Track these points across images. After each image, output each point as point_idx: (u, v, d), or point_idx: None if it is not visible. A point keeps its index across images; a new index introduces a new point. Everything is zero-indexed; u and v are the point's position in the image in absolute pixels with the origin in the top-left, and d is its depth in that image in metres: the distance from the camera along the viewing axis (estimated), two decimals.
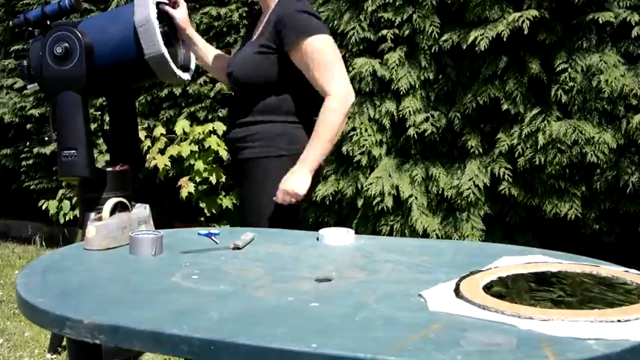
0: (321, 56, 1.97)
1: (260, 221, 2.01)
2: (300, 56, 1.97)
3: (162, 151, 3.91)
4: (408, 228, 3.12)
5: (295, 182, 1.96)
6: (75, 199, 4.42)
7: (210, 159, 3.84)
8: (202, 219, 3.98)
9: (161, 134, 3.95)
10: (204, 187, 3.88)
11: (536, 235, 3.03)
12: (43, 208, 4.44)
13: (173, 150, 3.85)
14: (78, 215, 4.28)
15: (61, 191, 4.48)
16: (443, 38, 3.02)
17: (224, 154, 3.79)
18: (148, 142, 3.94)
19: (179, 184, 3.84)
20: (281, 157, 2.04)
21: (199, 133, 3.78)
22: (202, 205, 3.90)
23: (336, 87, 1.97)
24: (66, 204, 4.42)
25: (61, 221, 4.40)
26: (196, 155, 3.82)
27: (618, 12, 2.72)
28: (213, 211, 3.91)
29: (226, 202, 3.92)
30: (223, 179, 3.90)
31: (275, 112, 2.05)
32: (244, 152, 2.08)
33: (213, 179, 3.83)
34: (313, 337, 0.93)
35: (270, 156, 2.04)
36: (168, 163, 3.85)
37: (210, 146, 3.78)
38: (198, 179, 3.82)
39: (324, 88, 1.98)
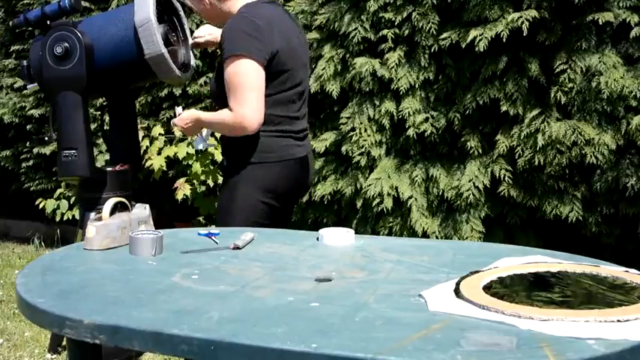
0: (230, 79, 2.01)
1: (228, 222, 2.07)
2: (226, 72, 2.02)
3: (159, 152, 3.91)
4: (407, 229, 3.12)
5: (184, 115, 2.16)
6: (73, 198, 4.41)
7: (207, 161, 3.84)
8: (201, 219, 3.98)
9: (159, 134, 3.95)
10: (203, 188, 3.88)
11: (537, 236, 3.03)
12: (40, 206, 4.43)
13: (170, 151, 3.85)
14: (75, 215, 4.28)
15: (59, 190, 4.47)
16: (442, 36, 3.02)
17: (220, 157, 3.79)
18: (146, 142, 3.94)
19: (175, 185, 3.84)
20: (251, 164, 2.09)
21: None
22: (197, 206, 3.90)
23: (235, 108, 2.01)
24: (63, 203, 4.41)
25: (58, 219, 4.39)
26: (194, 157, 3.82)
27: (618, 13, 2.72)
28: (210, 212, 3.91)
29: None
30: (220, 181, 3.90)
31: None
32: (224, 160, 2.21)
33: (210, 182, 3.82)
34: (313, 337, 0.93)
35: (243, 162, 2.09)
36: (164, 164, 3.84)
37: (206, 149, 3.78)
38: (195, 181, 3.82)
39: (230, 104, 2.02)
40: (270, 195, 2.10)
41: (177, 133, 3.87)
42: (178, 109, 2.25)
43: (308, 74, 2.30)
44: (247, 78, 1.99)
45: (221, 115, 2.07)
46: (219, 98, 2.10)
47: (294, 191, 2.23)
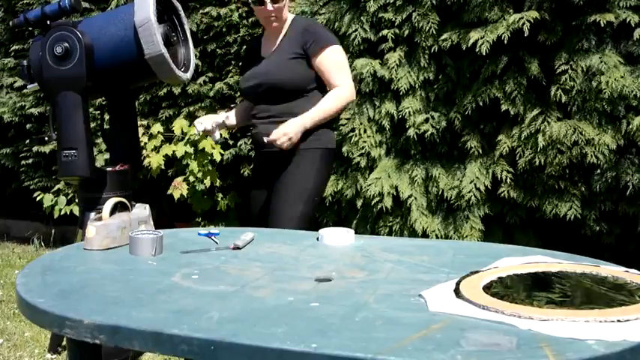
0: (338, 61, 2.44)
1: (291, 204, 2.37)
2: (321, 60, 2.40)
3: (157, 150, 3.90)
4: (407, 228, 3.12)
5: (289, 126, 2.33)
6: (71, 195, 4.41)
7: (206, 161, 3.83)
8: (199, 219, 3.98)
9: (159, 132, 3.94)
10: (202, 187, 3.87)
11: (537, 236, 3.03)
12: (38, 199, 4.42)
13: (168, 149, 3.84)
14: (74, 211, 4.28)
15: (58, 186, 4.47)
16: (442, 37, 3.02)
17: (218, 157, 3.78)
18: (144, 139, 3.94)
19: (173, 184, 3.83)
20: (324, 149, 2.45)
21: (194, 134, 3.78)
22: (194, 204, 3.90)
23: (347, 82, 2.44)
24: (62, 199, 4.41)
25: (56, 215, 4.39)
26: (191, 157, 3.82)
27: (618, 13, 2.72)
28: (205, 210, 3.91)
29: (222, 203, 3.92)
30: (218, 183, 3.90)
31: (309, 108, 2.40)
32: (300, 142, 2.40)
33: (207, 182, 3.82)
34: (313, 337, 0.93)
35: (318, 148, 2.42)
36: (162, 162, 3.84)
37: (204, 148, 3.78)
38: (192, 180, 3.82)
39: (338, 82, 2.41)
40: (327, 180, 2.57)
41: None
42: (201, 127, 2.58)
43: None
44: (346, 62, 2.50)
45: (332, 99, 2.40)
46: (280, 87, 2.40)
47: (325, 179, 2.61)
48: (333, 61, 2.42)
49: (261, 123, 2.48)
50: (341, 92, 2.41)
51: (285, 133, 2.32)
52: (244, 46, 3.78)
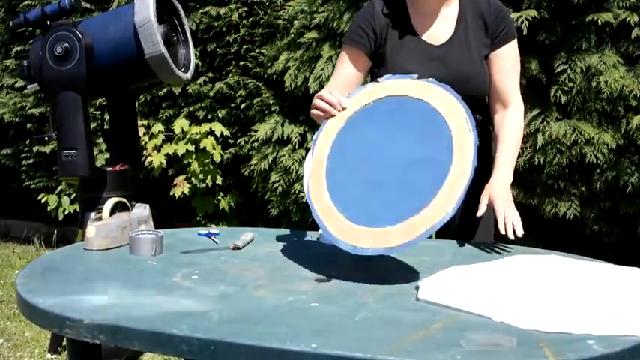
0: (518, 63, 1.73)
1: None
2: (505, 57, 1.68)
3: (158, 149, 3.90)
4: None
5: (508, 198, 1.58)
6: (74, 194, 4.41)
7: (207, 161, 3.84)
8: (199, 218, 3.98)
9: (159, 132, 3.94)
10: (202, 186, 3.87)
11: (536, 236, 3.03)
12: (42, 201, 4.42)
13: (169, 148, 3.84)
14: (77, 211, 4.28)
15: (60, 187, 4.47)
16: None
17: (218, 157, 3.78)
18: (145, 139, 3.94)
19: (174, 183, 3.83)
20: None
21: (195, 134, 3.78)
22: (195, 205, 3.90)
23: (519, 97, 1.72)
24: (65, 200, 4.41)
25: (60, 217, 4.39)
26: (193, 156, 3.82)
27: (618, 13, 2.72)
28: (208, 211, 3.91)
29: (223, 203, 3.92)
30: (219, 181, 3.90)
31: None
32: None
33: (208, 181, 3.82)
34: (313, 337, 0.93)
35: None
36: (164, 161, 3.84)
37: (205, 147, 3.78)
38: (194, 180, 3.82)
39: (513, 94, 1.69)
40: None
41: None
42: None
43: None
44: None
45: (517, 130, 1.68)
46: (473, 98, 1.58)
47: None
48: (515, 62, 1.70)
49: None
50: (519, 115, 1.69)
51: (513, 211, 1.53)
52: (244, 46, 3.78)
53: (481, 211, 1.54)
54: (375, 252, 1.24)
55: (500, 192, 1.56)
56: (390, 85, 1.47)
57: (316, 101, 1.53)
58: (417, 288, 1.16)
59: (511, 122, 1.67)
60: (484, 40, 1.67)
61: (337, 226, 1.31)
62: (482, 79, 1.68)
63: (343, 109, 1.49)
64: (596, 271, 1.25)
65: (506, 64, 1.68)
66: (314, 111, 1.55)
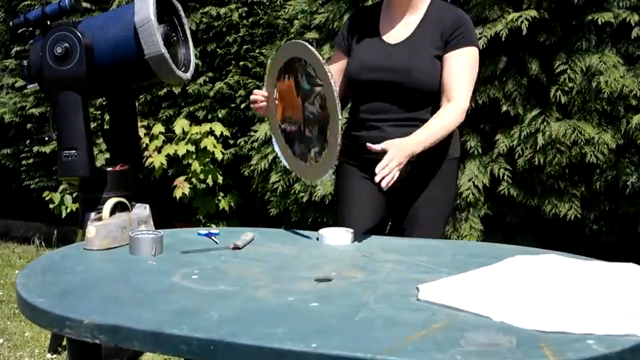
0: (470, 68, 1.92)
1: (437, 223, 1.98)
2: (455, 60, 1.90)
3: (159, 150, 3.91)
4: None
5: (400, 152, 1.71)
6: (76, 193, 4.41)
7: (207, 160, 3.84)
8: (200, 218, 3.98)
9: (160, 132, 3.95)
10: (203, 186, 3.87)
11: (536, 236, 3.03)
12: (46, 199, 4.42)
13: (170, 149, 3.84)
14: (79, 209, 4.28)
15: (62, 186, 4.47)
16: None
17: (219, 155, 3.78)
18: (146, 140, 3.94)
19: (175, 183, 3.83)
20: (454, 159, 2.03)
21: (196, 133, 3.78)
22: (196, 205, 3.90)
23: (464, 98, 1.90)
24: (68, 198, 4.41)
25: (63, 215, 4.39)
26: (193, 156, 3.82)
27: (618, 12, 2.72)
28: (209, 211, 3.91)
29: (224, 203, 3.92)
30: (220, 180, 3.90)
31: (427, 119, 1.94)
32: (431, 154, 1.90)
33: (209, 181, 3.82)
34: (313, 337, 0.93)
35: (454, 157, 2.02)
36: (165, 162, 3.84)
37: (206, 147, 3.78)
38: (194, 180, 3.82)
39: (455, 92, 1.88)
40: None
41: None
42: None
43: None
44: (476, 69, 1.96)
45: (442, 120, 1.86)
46: (418, 89, 1.91)
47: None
48: (465, 65, 1.90)
49: (386, 125, 1.95)
50: (455, 112, 1.87)
51: (399, 163, 1.69)
52: (244, 46, 3.79)
53: (371, 147, 1.73)
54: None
55: (400, 144, 1.74)
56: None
57: (251, 97, 1.98)
58: (417, 289, 1.16)
59: (442, 113, 1.88)
60: (438, 44, 1.91)
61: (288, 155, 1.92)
62: (425, 73, 1.90)
63: (264, 97, 1.93)
64: (594, 269, 1.26)
65: (454, 66, 1.90)
66: (251, 105, 1.99)
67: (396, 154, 1.69)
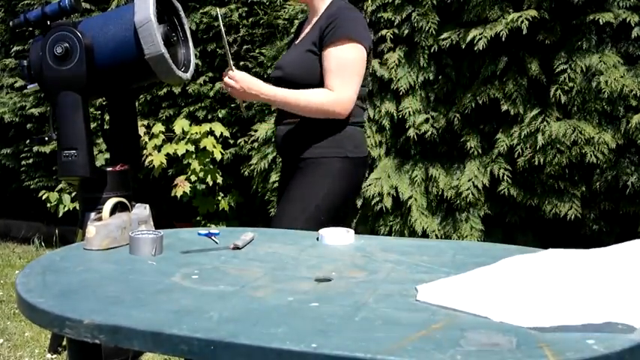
0: (345, 61, 2.00)
1: (296, 222, 1.98)
2: (327, 54, 2.00)
3: (159, 149, 3.91)
4: (407, 228, 3.12)
5: (249, 79, 2.02)
6: (75, 192, 4.41)
7: (207, 160, 3.83)
8: (200, 218, 3.98)
9: (160, 131, 3.95)
10: (202, 186, 3.87)
11: (536, 236, 3.03)
12: (43, 198, 4.42)
13: (170, 148, 3.84)
14: (78, 209, 4.28)
15: (60, 185, 4.47)
16: (442, 36, 3.02)
17: (219, 155, 3.78)
18: (146, 139, 3.94)
19: (175, 182, 3.83)
20: (345, 158, 2.06)
21: (195, 133, 3.78)
22: (196, 205, 3.90)
23: (342, 89, 1.99)
24: (66, 197, 4.41)
25: (60, 214, 4.38)
26: (193, 155, 3.82)
27: (618, 12, 2.72)
28: (209, 211, 3.90)
29: (223, 203, 3.92)
30: (219, 180, 3.90)
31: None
32: (305, 151, 2.06)
33: (209, 180, 3.82)
34: (313, 338, 0.93)
35: (335, 157, 2.05)
36: (165, 161, 3.84)
37: (205, 147, 3.78)
38: (194, 179, 3.82)
39: (330, 84, 1.99)
40: (355, 192, 2.14)
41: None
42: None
43: None
44: (358, 64, 2.02)
45: (313, 95, 1.99)
46: (293, 82, 2.04)
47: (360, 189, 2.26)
48: (338, 59, 1.99)
49: (280, 123, 2.15)
50: (320, 97, 1.99)
51: (239, 80, 2.00)
52: (244, 46, 3.79)
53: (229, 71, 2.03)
54: None
55: (253, 79, 2.02)
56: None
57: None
58: (416, 289, 1.16)
59: (316, 90, 2.00)
60: (317, 41, 2.04)
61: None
62: (296, 68, 2.06)
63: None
64: (596, 257, 1.24)
65: (328, 60, 2.00)
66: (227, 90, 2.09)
67: (243, 79, 2.01)
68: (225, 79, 2.05)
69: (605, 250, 1.29)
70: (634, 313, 0.95)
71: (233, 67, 2.05)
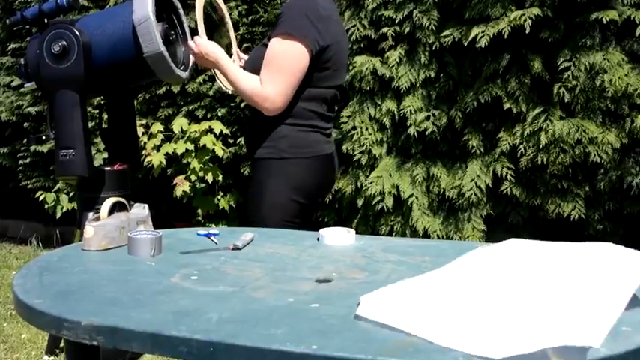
0: (277, 55, 2.00)
1: (259, 222, 2.03)
2: (268, 47, 2.02)
3: (158, 148, 3.89)
4: (408, 228, 3.11)
5: (211, 47, 2.10)
6: (72, 192, 4.40)
7: (206, 158, 3.82)
8: (199, 218, 3.96)
9: (159, 131, 3.93)
10: (202, 186, 3.86)
11: (539, 236, 3.01)
12: (40, 199, 4.40)
13: (169, 147, 3.83)
14: (76, 209, 4.26)
15: (58, 185, 4.45)
16: (444, 34, 3.00)
17: (220, 152, 3.77)
18: (144, 139, 3.93)
19: (175, 182, 3.82)
20: (282, 159, 2.06)
21: (195, 132, 3.76)
22: (196, 205, 3.89)
23: (266, 85, 2.00)
24: (64, 198, 4.39)
25: (58, 214, 4.37)
26: (192, 154, 3.80)
27: (622, 10, 2.70)
28: (209, 211, 3.89)
29: (223, 203, 3.90)
30: (220, 178, 3.88)
31: (282, 114, 2.05)
32: (254, 152, 2.13)
33: (209, 178, 3.81)
34: (313, 338, 0.92)
35: (272, 158, 2.07)
36: (164, 160, 3.83)
37: (205, 145, 3.76)
38: (194, 178, 3.80)
39: (261, 76, 2.02)
40: (300, 192, 2.08)
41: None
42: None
43: (345, 76, 2.30)
44: (290, 61, 1.98)
45: (246, 79, 2.05)
46: (257, 70, 2.07)
47: (322, 188, 2.23)
48: (271, 53, 1.99)
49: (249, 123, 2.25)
50: (249, 84, 2.02)
51: (198, 44, 2.11)
52: (244, 45, 3.77)
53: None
54: None
55: (211, 45, 2.11)
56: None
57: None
58: (357, 304, 1.05)
59: (252, 76, 2.04)
60: (271, 34, 2.05)
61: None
62: (253, 62, 2.10)
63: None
64: (559, 257, 1.15)
65: (266, 55, 2.02)
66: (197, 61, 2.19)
67: (203, 44, 2.10)
68: (189, 41, 2.16)
69: (572, 248, 1.21)
70: (593, 328, 0.89)
71: (204, 35, 2.15)
